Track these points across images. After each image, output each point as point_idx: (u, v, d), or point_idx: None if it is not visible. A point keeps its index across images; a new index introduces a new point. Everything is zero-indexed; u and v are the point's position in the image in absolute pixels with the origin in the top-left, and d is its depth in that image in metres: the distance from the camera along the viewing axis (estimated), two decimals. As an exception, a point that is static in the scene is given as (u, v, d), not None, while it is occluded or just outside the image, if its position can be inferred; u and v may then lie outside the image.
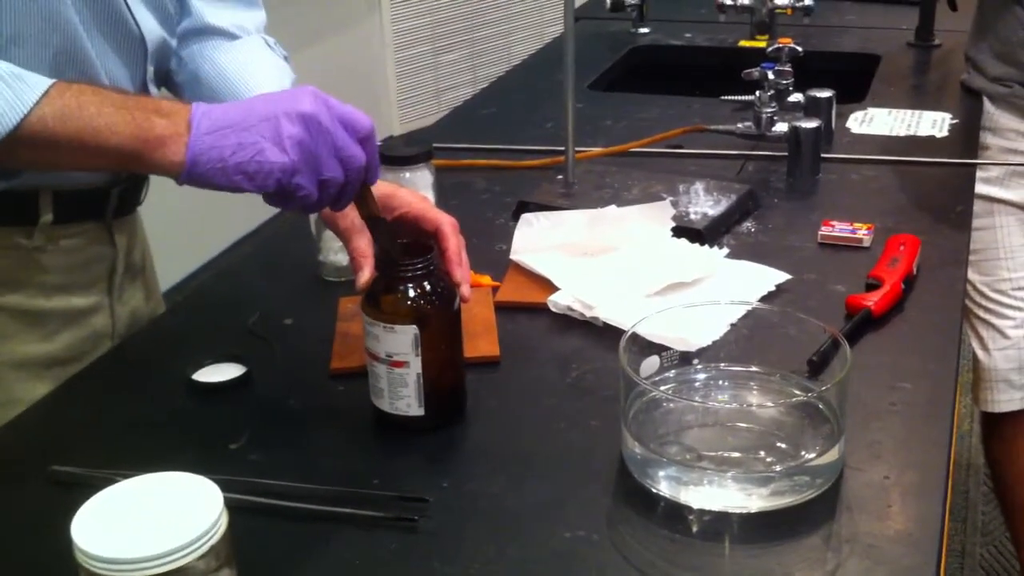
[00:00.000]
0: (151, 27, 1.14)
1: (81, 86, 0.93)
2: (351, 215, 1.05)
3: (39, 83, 0.91)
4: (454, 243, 1.04)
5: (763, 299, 1.20)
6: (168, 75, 1.24)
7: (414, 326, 0.95)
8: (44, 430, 1.05)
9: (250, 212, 3.76)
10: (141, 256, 1.31)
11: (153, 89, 1.18)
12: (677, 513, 0.88)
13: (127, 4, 1.10)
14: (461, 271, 1.03)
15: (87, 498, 0.73)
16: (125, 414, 1.07)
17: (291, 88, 0.94)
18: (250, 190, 0.92)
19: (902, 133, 1.75)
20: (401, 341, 0.96)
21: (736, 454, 0.93)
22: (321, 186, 0.92)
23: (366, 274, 1.00)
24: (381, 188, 1.04)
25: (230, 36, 1.23)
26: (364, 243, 1.02)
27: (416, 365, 0.96)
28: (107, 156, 0.92)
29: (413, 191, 1.11)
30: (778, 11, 2.20)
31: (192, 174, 0.91)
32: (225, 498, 0.73)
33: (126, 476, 0.75)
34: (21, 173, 1.07)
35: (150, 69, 1.16)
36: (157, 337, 1.24)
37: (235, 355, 1.12)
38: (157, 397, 1.09)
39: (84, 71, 1.06)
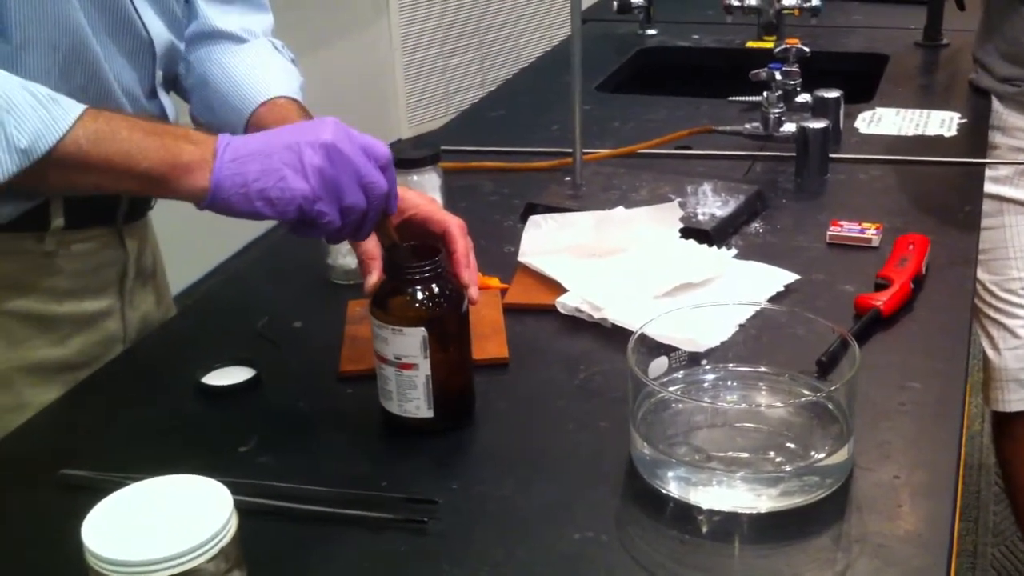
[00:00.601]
0: (159, 31, 1.15)
1: (111, 112, 0.96)
2: None
3: (74, 107, 0.93)
4: (462, 245, 1.04)
5: (772, 299, 1.20)
6: (176, 79, 1.24)
7: (422, 328, 0.95)
8: (54, 434, 1.06)
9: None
10: (152, 261, 1.32)
11: (162, 93, 1.19)
12: (686, 514, 0.88)
13: (135, 8, 1.11)
14: (469, 273, 1.03)
15: (97, 501, 0.73)
16: (135, 418, 1.07)
17: (314, 119, 0.96)
18: (271, 217, 0.94)
19: (910, 133, 1.75)
20: (410, 343, 0.96)
21: (745, 454, 0.93)
22: (343, 213, 0.94)
23: (374, 277, 1.01)
24: None
25: (238, 40, 1.23)
26: (372, 246, 1.03)
27: (425, 367, 0.97)
28: (135, 180, 0.94)
29: (421, 193, 1.11)
30: (785, 12, 2.20)
31: (215, 200, 0.93)
32: (235, 500, 0.73)
33: (136, 479, 0.76)
34: (45, 196, 1.08)
35: (159, 73, 1.17)
36: (167, 341, 1.25)
37: (244, 358, 1.12)
38: (167, 400, 1.09)
39: (93, 75, 1.07)
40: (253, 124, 1.17)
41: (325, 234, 0.96)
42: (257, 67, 1.21)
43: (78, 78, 1.05)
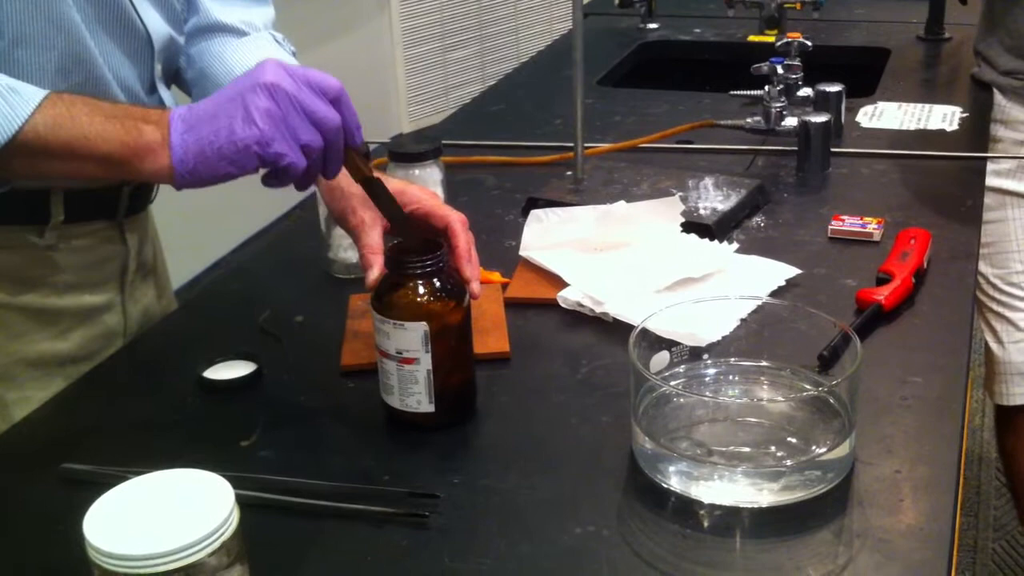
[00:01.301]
0: (157, 25, 1.14)
1: (74, 97, 0.95)
2: (360, 213, 1.05)
3: (34, 95, 0.93)
4: (464, 240, 1.04)
5: (773, 294, 1.20)
6: (177, 73, 1.24)
7: (424, 323, 0.95)
8: (56, 428, 1.06)
9: (260, 210, 3.77)
10: (153, 254, 1.32)
11: (162, 88, 1.19)
12: (688, 508, 0.88)
13: (132, 3, 1.10)
14: (471, 268, 1.03)
15: (99, 495, 0.73)
16: (136, 412, 1.07)
17: (255, 65, 0.95)
18: (238, 174, 0.92)
19: (912, 127, 1.74)
20: (411, 338, 0.96)
21: (747, 449, 0.93)
22: (305, 153, 0.92)
23: (375, 271, 1.00)
24: (391, 185, 1.04)
25: (238, 33, 1.23)
26: (374, 241, 1.02)
27: (426, 362, 0.97)
28: (98, 164, 0.93)
29: (423, 188, 1.11)
30: (787, 5, 2.19)
31: (183, 174, 0.92)
32: (236, 495, 0.73)
33: (138, 473, 0.76)
34: (11, 184, 1.07)
35: (158, 68, 1.16)
36: (168, 335, 1.25)
37: (246, 352, 1.12)
38: (168, 395, 1.09)
39: (90, 72, 1.06)
40: None
41: (292, 178, 0.93)
42: (257, 60, 1.21)
43: (75, 75, 1.05)
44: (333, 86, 0.94)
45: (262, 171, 0.94)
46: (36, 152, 0.93)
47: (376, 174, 1.00)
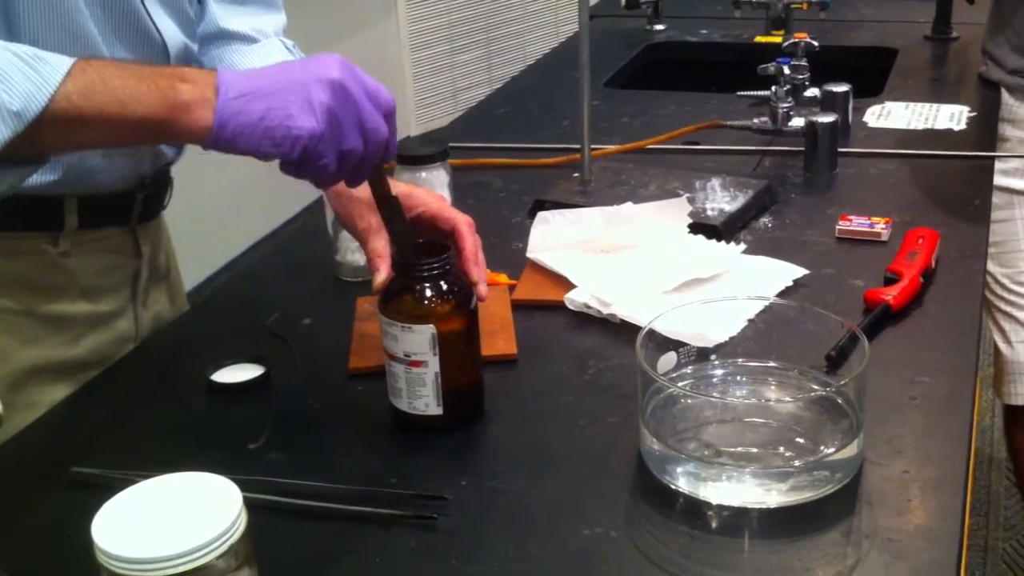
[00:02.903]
0: (172, 33, 1.15)
1: (103, 61, 0.92)
2: (368, 217, 1.05)
3: (62, 62, 0.89)
4: (471, 242, 1.04)
5: (781, 294, 1.20)
6: None
7: (432, 325, 0.95)
8: (64, 431, 1.06)
9: (268, 214, 3.78)
10: (166, 261, 1.32)
11: None
12: (696, 509, 0.88)
13: (148, 12, 1.10)
14: (478, 270, 1.02)
15: (107, 499, 0.73)
16: (145, 415, 1.07)
17: (317, 56, 0.92)
18: (274, 156, 0.90)
19: (919, 127, 1.74)
20: (419, 341, 0.96)
21: (755, 449, 0.93)
22: (341, 158, 0.91)
23: (382, 275, 1.00)
24: (398, 188, 1.04)
25: (249, 40, 1.23)
26: (381, 244, 1.02)
27: (434, 364, 0.97)
28: (134, 128, 0.90)
29: (430, 191, 1.11)
30: (794, 6, 2.19)
31: (219, 138, 0.89)
32: (244, 497, 0.73)
33: (146, 476, 0.76)
34: (46, 160, 1.03)
35: None
36: (176, 338, 1.25)
37: (254, 355, 1.12)
38: (177, 398, 1.09)
39: None
40: None
41: (318, 177, 0.92)
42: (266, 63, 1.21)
43: None
44: (388, 100, 0.93)
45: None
46: (70, 121, 0.89)
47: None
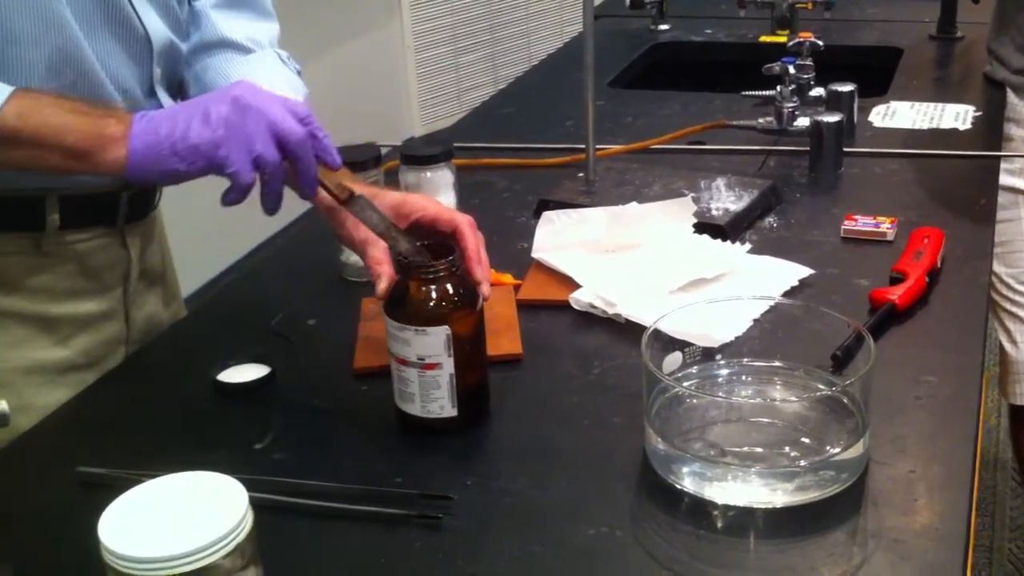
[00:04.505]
0: (157, 27, 1.14)
1: (41, 92, 1.00)
2: (362, 228, 1.05)
3: (3, 89, 0.97)
4: (473, 242, 1.04)
5: (786, 294, 1.20)
6: (181, 87, 1.24)
7: (446, 327, 0.95)
8: (71, 431, 1.06)
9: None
10: (160, 261, 1.31)
11: (162, 92, 1.18)
12: (701, 509, 0.88)
13: (132, 5, 1.11)
14: (481, 269, 1.02)
15: (113, 498, 0.73)
16: (151, 415, 1.07)
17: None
18: (187, 173, 0.98)
19: (925, 126, 1.74)
20: (433, 343, 0.95)
21: (760, 449, 0.93)
22: (256, 164, 0.97)
23: (385, 281, 1.00)
24: (390, 199, 1.05)
25: (244, 50, 1.23)
26: (379, 252, 1.03)
27: (449, 366, 0.96)
28: (61, 154, 0.98)
29: (426, 196, 1.11)
30: (799, 5, 2.19)
31: (133, 165, 0.97)
32: (250, 497, 0.73)
33: (152, 476, 0.76)
34: None
35: (157, 71, 1.16)
36: (182, 339, 1.25)
37: (259, 356, 1.12)
38: (182, 398, 1.09)
39: (83, 71, 1.07)
40: None
41: (237, 187, 0.97)
42: (261, 79, 1.20)
43: (66, 75, 1.06)
44: (301, 108, 0.99)
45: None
46: (6, 139, 0.97)
47: (363, 189, 1.03)
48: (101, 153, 0.98)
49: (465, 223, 1.05)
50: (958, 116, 1.76)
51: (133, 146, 0.97)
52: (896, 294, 1.16)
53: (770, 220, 1.42)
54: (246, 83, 0.99)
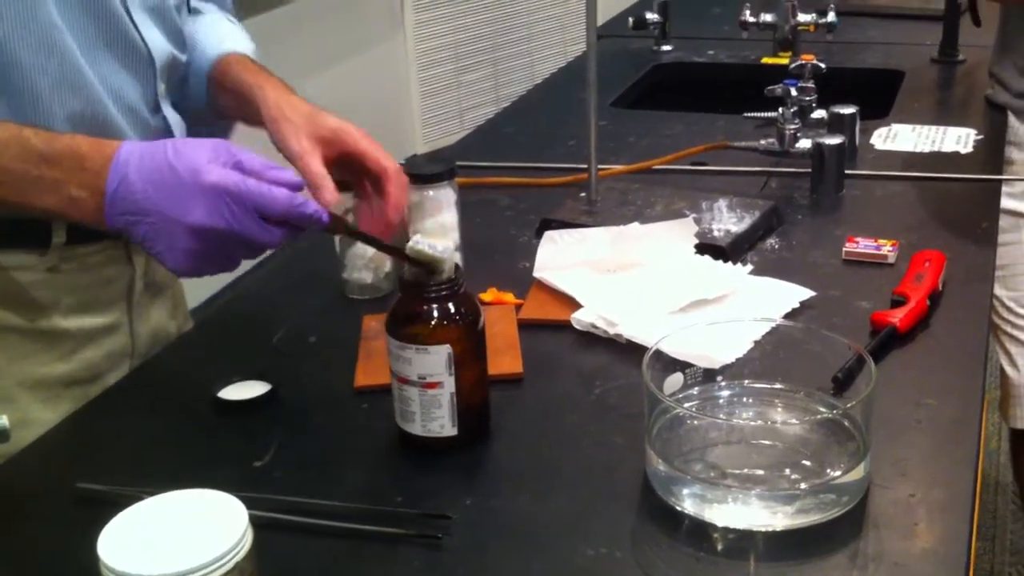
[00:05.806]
0: (158, 43, 1.15)
1: (5, 140, 0.96)
2: (302, 139, 1.06)
3: None
4: (396, 191, 1.04)
5: (787, 316, 1.20)
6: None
7: (447, 345, 0.95)
8: (70, 447, 1.06)
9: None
10: (165, 274, 1.31)
11: (167, 108, 1.19)
12: (702, 531, 0.88)
13: (133, 22, 1.11)
14: (397, 215, 1.04)
15: (113, 515, 0.73)
16: (151, 431, 1.07)
17: (187, 150, 0.95)
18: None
19: (926, 149, 1.74)
20: (435, 362, 0.96)
21: (761, 471, 0.92)
22: (249, 250, 0.96)
23: (328, 192, 1.01)
24: (332, 123, 1.07)
25: (194, 12, 1.26)
26: (318, 164, 1.03)
27: (450, 385, 0.96)
28: (34, 212, 0.99)
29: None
30: (801, 28, 2.20)
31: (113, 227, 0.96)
32: (250, 515, 0.73)
33: (152, 493, 0.76)
34: None
35: (161, 87, 1.16)
36: (182, 354, 1.25)
37: (260, 372, 1.12)
38: (183, 414, 1.09)
39: (86, 96, 1.07)
40: (215, 83, 1.22)
41: (231, 269, 0.98)
42: (210, 27, 1.25)
43: (72, 103, 1.05)
44: (279, 204, 0.93)
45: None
46: None
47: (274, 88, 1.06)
48: (72, 218, 0.98)
49: (392, 168, 1.05)
50: (959, 139, 1.76)
51: (111, 226, 0.95)
52: (897, 317, 1.16)
53: (771, 241, 1.42)
54: (211, 185, 0.92)
